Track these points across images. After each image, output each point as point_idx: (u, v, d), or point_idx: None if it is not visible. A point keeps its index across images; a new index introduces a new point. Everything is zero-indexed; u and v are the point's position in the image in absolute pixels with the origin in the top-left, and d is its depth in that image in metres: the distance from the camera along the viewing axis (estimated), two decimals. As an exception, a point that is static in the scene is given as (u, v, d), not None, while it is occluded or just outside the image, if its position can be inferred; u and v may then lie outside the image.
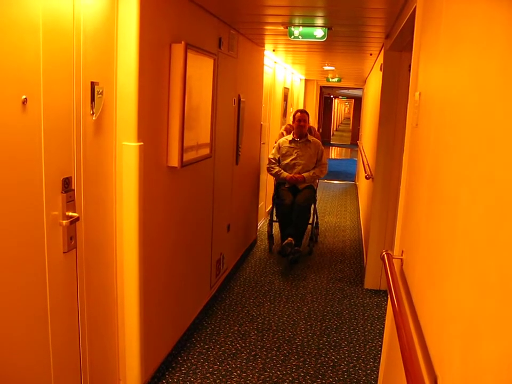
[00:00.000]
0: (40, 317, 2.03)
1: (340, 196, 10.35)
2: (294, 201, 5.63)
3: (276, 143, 6.09)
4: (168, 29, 2.89)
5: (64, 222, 2.10)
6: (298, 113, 5.94)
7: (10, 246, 1.82)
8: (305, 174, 5.73)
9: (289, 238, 5.40)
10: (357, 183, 11.42)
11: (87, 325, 2.40)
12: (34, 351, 2.02)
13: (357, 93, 18.01)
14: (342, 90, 19.24)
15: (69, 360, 2.30)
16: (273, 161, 5.86)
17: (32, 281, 1.97)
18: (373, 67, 7.40)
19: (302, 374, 3.31)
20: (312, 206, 6.00)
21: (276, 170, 5.81)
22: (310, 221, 6.07)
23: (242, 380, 3.20)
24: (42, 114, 1.92)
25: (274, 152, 5.93)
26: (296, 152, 5.80)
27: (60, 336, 2.17)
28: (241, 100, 4.78)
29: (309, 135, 5.92)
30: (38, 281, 2.00)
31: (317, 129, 7.11)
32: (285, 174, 5.76)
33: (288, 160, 5.80)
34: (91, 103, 2.27)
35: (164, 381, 3.13)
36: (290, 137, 5.90)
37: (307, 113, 5.99)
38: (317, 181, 6.26)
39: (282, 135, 6.23)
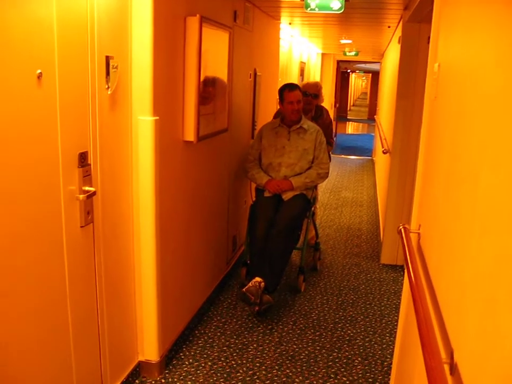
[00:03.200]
0: (59, 291, 2.06)
1: (356, 171, 10.29)
2: (274, 220, 3.78)
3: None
4: (183, 2, 2.86)
5: (81, 196, 2.11)
6: (289, 91, 3.90)
7: (28, 220, 1.83)
8: (293, 180, 3.93)
9: (257, 278, 3.53)
10: (374, 158, 11.33)
11: (105, 299, 2.43)
12: (53, 326, 2.05)
13: (374, 67, 17.75)
14: (359, 65, 18.97)
15: (88, 335, 2.34)
16: (251, 158, 4.10)
17: (50, 255, 1.99)
18: (391, 40, 7.27)
19: (318, 348, 3.34)
20: (310, 222, 4.26)
21: (253, 171, 4.05)
22: (301, 242, 4.13)
23: (258, 353, 3.24)
24: (58, 89, 1.92)
25: (255, 145, 4.13)
26: (283, 146, 3.97)
27: (78, 310, 2.20)
28: (257, 73, 4.73)
29: (304, 118, 4.03)
30: (56, 255, 2.03)
31: (334, 105, 5.31)
32: (264, 177, 3.95)
33: (271, 158, 3.98)
34: (106, 77, 2.26)
35: (181, 354, 3.17)
36: (277, 122, 4.09)
37: (300, 89, 4.02)
38: (314, 188, 4.32)
39: None
